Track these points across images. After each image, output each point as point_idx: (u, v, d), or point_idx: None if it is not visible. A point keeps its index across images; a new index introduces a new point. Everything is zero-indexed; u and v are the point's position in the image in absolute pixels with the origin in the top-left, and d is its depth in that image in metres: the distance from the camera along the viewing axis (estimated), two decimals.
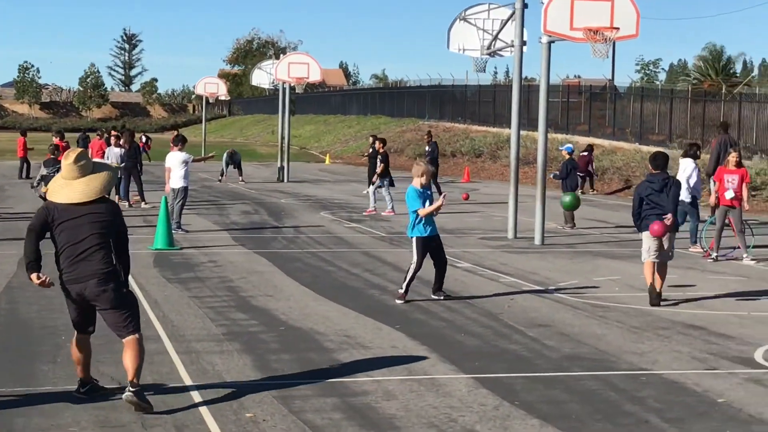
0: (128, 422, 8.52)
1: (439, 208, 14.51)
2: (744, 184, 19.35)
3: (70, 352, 9.26)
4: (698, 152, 21.47)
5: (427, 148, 34.65)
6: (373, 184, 28.70)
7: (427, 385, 9.77)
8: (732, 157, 19.48)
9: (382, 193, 28.26)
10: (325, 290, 15.36)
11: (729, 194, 19.27)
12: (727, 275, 17.57)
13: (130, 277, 9.19)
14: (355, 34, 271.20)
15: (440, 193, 31.57)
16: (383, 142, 29.28)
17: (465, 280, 16.60)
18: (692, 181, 20.72)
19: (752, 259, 19.10)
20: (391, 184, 28.51)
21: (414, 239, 14.51)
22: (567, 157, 25.55)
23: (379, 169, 28.15)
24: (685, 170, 20.83)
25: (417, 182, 14.62)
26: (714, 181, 19.96)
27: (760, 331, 12.65)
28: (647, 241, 14.66)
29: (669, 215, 14.51)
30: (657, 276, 14.59)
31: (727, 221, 19.53)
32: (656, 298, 14.42)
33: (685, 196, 20.51)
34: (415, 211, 14.46)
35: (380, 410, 8.91)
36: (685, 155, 21.32)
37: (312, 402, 9.12)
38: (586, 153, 39.73)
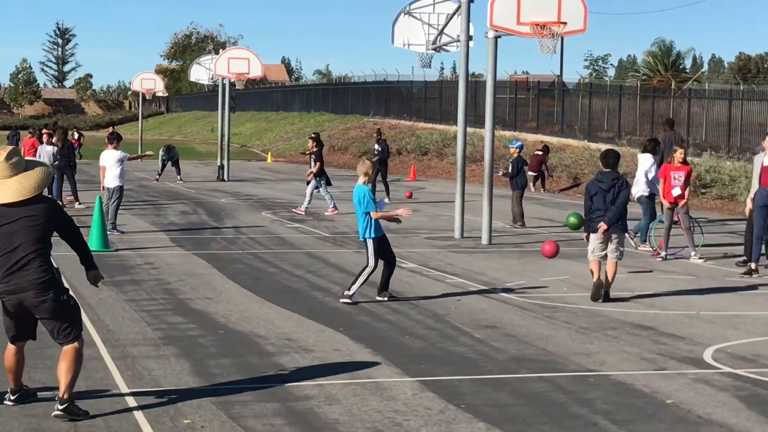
0: (61, 430, 8.44)
1: (397, 218, 14.63)
2: (688, 181, 19.68)
3: (3, 360, 9.16)
4: (657, 148, 21.68)
5: (376, 146, 34.60)
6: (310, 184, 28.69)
7: (371, 389, 9.78)
8: (678, 154, 19.72)
9: (321, 193, 28.23)
10: (267, 292, 15.33)
11: (676, 191, 19.49)
12: (677, 274, 17.75)
13: (63, 279, 9.10)
14: (297, 28, 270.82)
15: (387, 194, 31.81)
16: (317, 140, 29.24)
17: (410, 281, 16.63)
18: (650, 176, 20.92)
19: (700, 258, 19.31)
20: (328, 182, 28.47)
21: (370, 241, 14.50)
22: (516, 153, 25.64)
23: (315, 168, 28.09)
24: (644, 165, 21.04)
25: (363, 180, 14.63)
26: (659, 178, 20.18)
27: (709, 331, 12.80)
28: (591, 242, 14.91)
29: (602, 224, 14.71)
30: (607, 274, 14.81)
31: (675, 219, 19.75)
32: (597, 293, 14.68)
33: (643, 190, 20.74)
34: (369, 213, 14.46)
35: (323, 415, 8.90)
36: (644, 150, 21.52)
37: (252, 407, 9.10)
38: (540, 153, 39.97)
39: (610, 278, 14.84)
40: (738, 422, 8.81)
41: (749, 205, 17.89)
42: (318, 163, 28.12)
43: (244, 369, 10.56)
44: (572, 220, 19.29)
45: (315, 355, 11.20)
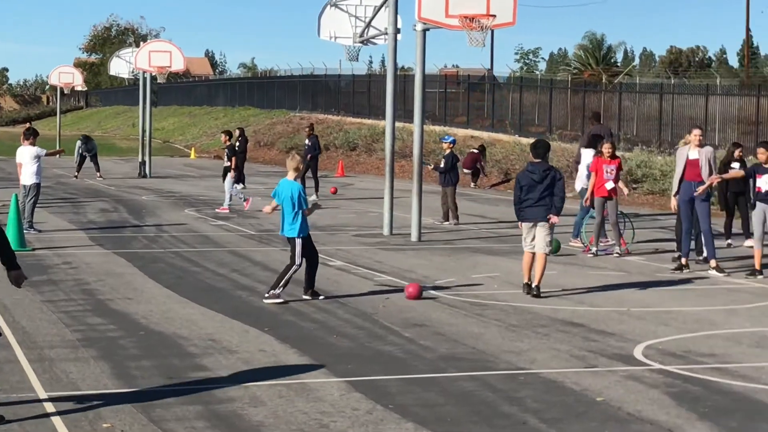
0: None
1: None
2: (619, 174, 19.93)
3: None
4: (599, 142, 21.80)
5: (307, 141, 34.39)
6: (233, 180, 28.55)
7: (297, 390, 9.77)
8: (606, 148, 19.95)
9: (225, 187, 28.11)
10: (189, 292, 15.25)
11: (609, 185, 19.71)
12: (608, 270, 17.94)
13: None
14: (221, 20, 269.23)
15: (316, 190, 31.77)
16: (229, 134, 29.10)
17: (338, 279, 16.64)
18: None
19: (617, 254, 19.51)
20: (237, 180, 28.36)
21: (299, 240, 14.48)
22: (449, 149, 25.61)
23: (231, 163, 27.95)
24: (586, 159, 21.19)
25: (292, 176, 14.65)
26: (589, 172, 20.38)
27: (639, 327, 12.95)
28: (523, 231, 15.26)
29: (553, 217, 15.05)
30: (536, 268, 15.04)
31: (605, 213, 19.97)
32: (530, 288, 15.12)
33: (585, 183, 20.91)
34: (302, 210, 14.47)
35: (247, 417, 8.88)
36: (588, 146, 21.68)
37: (174, 410, 9.05)
38: (476, 151, 40.15)
39: (539, 271, 15.04)
40: (668, 419, 8.93)
41: (674, 201, 18.12)
42: (234, 158, 28.01)
43: (166, 371, 10.50)
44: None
45: (239, 356, 11.16)
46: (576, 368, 10.77)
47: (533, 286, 15.11)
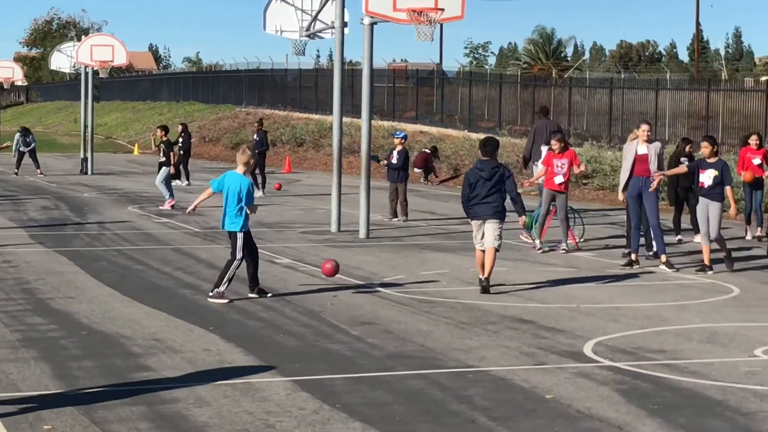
0: None
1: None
2: (576, 166, 20.00)
3: None
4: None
5: (255, 136, 34.16)
6: (175, 176, 28.37)
7: (243, 390, 9.75)
8: (554, 143, 20.08)
9: (156, 182, 27.95)
10: (133, 291, 15.17)
11: (558, 179, 19.80)
12: (557, 266, 18.04)
13: None
14: (165, 14, 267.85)
15: (262, 187, 31.67)
16: (165, 129, 28.92)
17: (285, 276, 16.61)
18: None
19: (563, 250, 19.62)
20: (174, 177, 28.21)
21: (242, 234, 14.47)
22: (400, 144, 25.55)
23: (173, 159, 27.76)
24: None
25: (242, 170, 14.65)
26: (540, 166, 20.50)
27: (589, 324, 13.03)
28: (474, 229, 15.40)
29: (521, 219, 15.72)
30: (485, 262, 15.17)
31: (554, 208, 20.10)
32: (486, 290, 15.11)
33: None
34: (247, 206, 14.46)
35: (191, 418, 8.85)
36: (546, 143, 21.78)
37: (117, 411, 8.99)
38: (427, 151, 40.17)
39: (488, 265, 15.15)
40: (618, 416, 8.99)
41: (621, 196, 18.26)
42: (172, 153, 27.84)
43: (109, 371, 10.44)
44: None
45: (183, 356, 11.12)
46: (525, 365, 10.83)
47: (482, 278, 15.21)
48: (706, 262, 17.40)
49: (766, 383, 10.17)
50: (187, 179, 36.32)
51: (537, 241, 20.03)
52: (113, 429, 8.52)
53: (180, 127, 38.55)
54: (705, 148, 17.54)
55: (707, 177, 17.30)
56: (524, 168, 26.11)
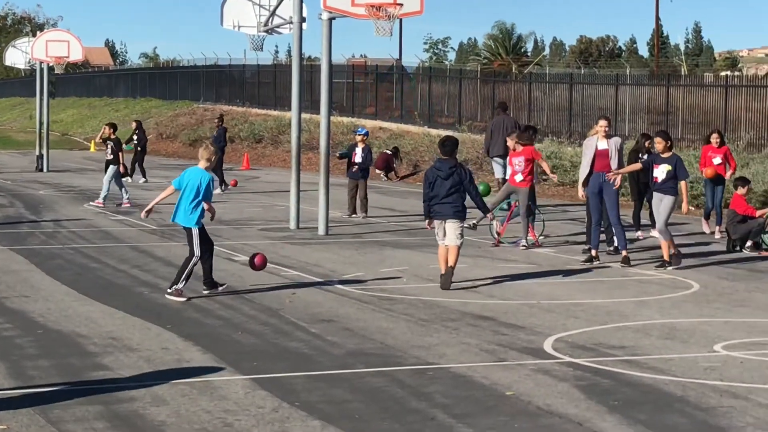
0: None
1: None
2: (541, 160, 20.09)
3: None
4: (534, 135, 21.91)
5: (214, 132, 33.98)
6: (124, 174, 28.18)
7: (201, 389, 9.72)
8: (511, 140, 20.17)
9: (104, 180, 27.74)
10: (89, 289, 15.10)
11: (518, 177, 19.86)
12: (518, 263, 18.09)
13: None
14: (122, 9, 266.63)
15: (221, 184, 31.57)
16: (114, 127, 28.71)
17: (243, 274, 16.57)
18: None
19: (523, 246, 19.66)
20: (124, 174, 28.01)
21: (197, 230, 14.43)
22: (362, 142, 25.44)
23: (112, 156, 27.53)
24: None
25: (204, 165, 14.65)
26: (498, 162, 20.56)
27: (549, 320, 13.09)
28: (436, 228, 15.51)
29: (488, 215, 16.51)
30: (449, 259, 15.31)
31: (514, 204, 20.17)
32: (447, 282, 15.26)
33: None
34: (205, 202, 14.44)
35: (148, 417, 8.82)
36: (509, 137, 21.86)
37: (73, 411, 8.95)
38: (389, 152, 40.11)
39: (452, 259, 15.27)
40: (578, 412, 9.03)
41: (581, 192, 18.33)
42: (120, 152, 27.58)
43: (65, 370, 10.39)
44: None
45: (140, 354, 11.08)
46: (485, 362, 10.86)
47: (442, 273, 15.34)
48: (666, 257, 17.50)
49: (726, 378, 10.25)
50: (144, 176, 36.17)
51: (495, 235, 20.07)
52: (69, 429, 8.48)
53: (134, 124, 38.38)
54: (658, 144, 17.64)
55: (661, 172, 17.39)
56: (487, 155, 26.62)
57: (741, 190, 20.47)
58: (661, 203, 17.42)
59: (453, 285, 15.22)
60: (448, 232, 15.28)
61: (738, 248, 19.64)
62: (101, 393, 9.54)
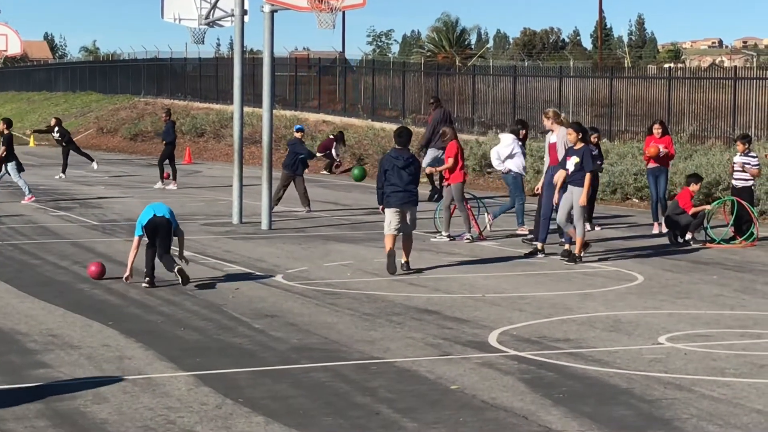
0: None
1: None
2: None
3: None
4: (520, 130, 21.95)
5: (163, 127, 33.59)
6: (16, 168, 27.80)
7: (143, 386, 9.67)
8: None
9: (13, 180, 27.38)
10: (29, 286, 14.97)
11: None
12: (462, 256, 18.14)
13: None
14: (61, 2, 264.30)
15: (174, 179, 31.38)
16: (8, 122, 28.31)
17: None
18: (519, 159, 21.13)
19: (467, 239, 19.68)
20: (21, 168, 27.58)
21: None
22: (298, 137, 25.62)
23: (1, 152, 27.14)
24: (508, 146, 21.19)
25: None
26: (430, 153, 20.61)
27: (494, 314, 13.13)
28: (388, 216, 16.15)
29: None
30: (402, 248, 16.10)
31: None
32: (392, 264, 15.87)
33: (516, 167, 21.12)
34: None
35: (90, 415, 8.76)
36: (513, 131, 21.89)
37: (13, 409, 8.86)
38: (332, 137, 40.08)
39: (408, 248, 16.19)
40: (523, 405, 9.08)
41: (540, 183, 18.40)
42: (5, 148, 27.15)
43: (4, 368, 10.30)
44: (356, 172, 19.69)
45: (82, 352, 11.00)
46: (430, 356, 10.88)
47: (403, 261, 16.12)
48: (577, 251, 17.33)
49: (670, 370, 10.34)
50: (63, 172, 35.86)
51: (444, 233, 20.07)
52: (9, 428, 8.40)
53: (54, 121, 38.15)
54: (570, 135, 17.63)
55: (571, 164, 17.33)
56: (420, 151, 26.72)
57: (693, 187, 20.52)
58: (572, 195, 17.32)
59: (397, 278, 15.25)
60: (409, 220, 16.14)
61: (681, 240, 19.78)
62: (42, 391, 9.46)
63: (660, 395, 9.44)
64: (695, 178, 20.97)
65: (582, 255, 17.42)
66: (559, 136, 17.92)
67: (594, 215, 22.03)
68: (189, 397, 9.30)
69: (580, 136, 17.43)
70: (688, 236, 19.74)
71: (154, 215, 14.82)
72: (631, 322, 12.69)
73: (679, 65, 75.64)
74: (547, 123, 18.12)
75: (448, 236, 19.86)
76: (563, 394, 9.45)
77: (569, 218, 17.30)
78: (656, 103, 34.77)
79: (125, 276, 15.12)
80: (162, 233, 14.80)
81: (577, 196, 17.21)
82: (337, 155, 39.69)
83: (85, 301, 13.94)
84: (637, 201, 27.54)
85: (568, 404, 9.11)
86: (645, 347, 11.38)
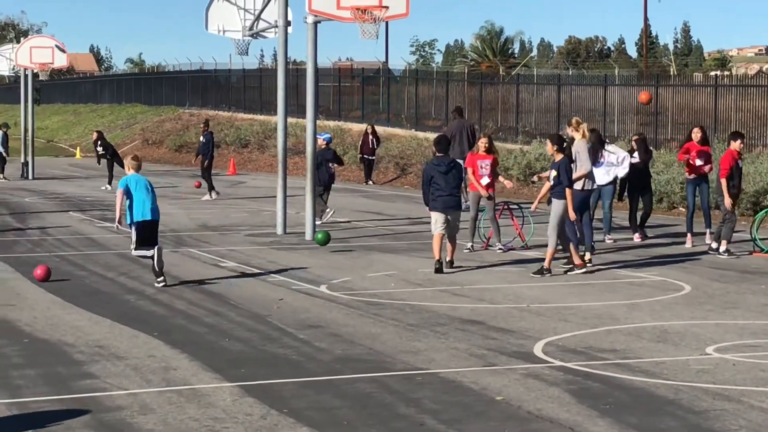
0: None
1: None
2: (495, 169, 19.83)
3: None
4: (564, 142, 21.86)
5: (201, 138, 33.51)
6: None
7: (188, 396, 9.70)
8: (482, 143, 19.98)
9: None
10: (76, 297, 15.06)
11: (484, 180, 19.66)
12: (507, 266, 18.09)
13: None
14: (107, 15, 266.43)
15: (211, 190, 31.40)
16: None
17: (231, 280, 16.56)
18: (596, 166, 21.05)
19: (500, 249, 19.64)
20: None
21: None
22: (323, 145, 25.24)
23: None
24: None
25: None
26: (465, 168, 20.47)
27: (539, 324, 13.08)
28: (434, 217, 17.08)
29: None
30: (447, 246, 17.07)
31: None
32: (441, 266, 16.94)
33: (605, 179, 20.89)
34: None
35: (136, 426, 8.79)
36: (465, 141, 21.85)
37: (60, 420, 8.92)
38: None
39: (453, 248, 17.37)
40: (569, 417, 9.03)
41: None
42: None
43: (52, 380, 10.36)
44: (319, 236, 19.74)
45: (128, 363, 11.05)
46: (475, 367, 10.85)
47: (447, 260, 17.27)
48: (547, 264, 17.10)
49: (718, 381, 10.26)
50: (109, 183, 35.93)
51: (470, 243, 19.92)
52: None
53: (95, 135, 38.36)
54: (547, 146, 17.61)
55: (551, 176, 17.27)
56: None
57: (734, 145, 19.65)
58: (557, 207, 17.18)
59: (441, 288, 15.22)
60: (453, 223, 17.20)
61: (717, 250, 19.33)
62: (89, 402, 9.51)
63: (708, 406, 9.36)
64: (735, 135, 20.14)
65: (551, 268, 17.11)
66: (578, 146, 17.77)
67: (647, 225, 21.88)
68: (234, 408, 9.32)
69: (556, 148, 17.34)
70: (723, 248, 19.32)
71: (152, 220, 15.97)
72: (678, 333, 12.60)
73: (726, 73, 75.10)
74: (569, 131, 18.10)
75: (500, 248, 19.71)
76: (610, 405, 9.39)
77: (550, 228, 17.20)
78: (702, 112, 34.51)
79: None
80: (155, 231, 16.12)
81: (557, 208, 17.04)
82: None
83: (131, 312, 14.02)
84: (683, 210, 27.35)
85: (615, 415, 9.05)
86: (692, 358, 11.29)
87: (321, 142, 25.09)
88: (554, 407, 9.33)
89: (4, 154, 41.67)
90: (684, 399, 9.59)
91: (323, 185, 24.55)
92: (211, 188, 31.94)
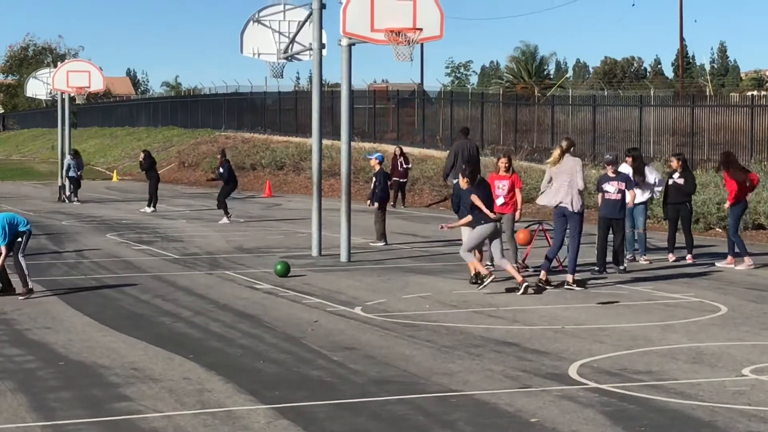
0: None
1: None
2: (517, 190, 19.69)
3: None
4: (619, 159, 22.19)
5: (219, 169, 33.11)
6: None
7: (223, 418, 9.73)
8: (502, 163, 19.81)
9: None
10: (111, 320, 15.14)
11: (500, 201, 19.55)
12: (540, 286, 18.02)
13: None
14: (143, 39, 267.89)
15: (227, 214, 31.30)
16: None
17: (265, 302, 16.60)
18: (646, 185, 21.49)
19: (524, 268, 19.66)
20: None
21: None
22: (377, 167, 25.10)
23: None
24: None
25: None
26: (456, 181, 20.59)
27: (574, 345, 13.04)
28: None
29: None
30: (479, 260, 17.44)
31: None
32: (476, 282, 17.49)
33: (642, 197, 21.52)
34: None
35: None
36: (468, 161, 21.90)
37: None
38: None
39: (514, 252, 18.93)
40: None
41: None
42: None
43: (87, 402, 10.42)
44: (278, 267, 19.46)
45: (163, 385, 11.10)
46: (509, 389, 10.83)
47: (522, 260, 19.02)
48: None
49: (754, 403, 10.19)
50: (151, 206, 36.03)
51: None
52: None
53: (142, 155, 38.57)
54: (500, 163, 19.10)
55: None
56: (444, 181, 26.90)
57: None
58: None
59: (476, 310, 15.20)
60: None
61: None
62: (124, 424, 9.56)
63: (744, 428, 9.31)
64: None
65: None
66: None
67: (676, 245, 21.78)
68: (268, 430, 9.35)
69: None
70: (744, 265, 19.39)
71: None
72: (714, 354, 12.53)
73: (763, 93, 74.74)
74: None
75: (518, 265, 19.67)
76: (645, 427, 9.35)
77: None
78: (739, 132, 34.34)
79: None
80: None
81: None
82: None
83: (166, 334, 14.08)
84: (720, 231, 27.22)
85: None
86: (728, 379, 11.23)
87: (374, 161, 25.12)
88: (589, 429, 9.29)
89: (76, 177, 42.05)
90: (720, 421, 9.54)
91: (380, 201, 24.76)
92: (225, 213, 31.58)
